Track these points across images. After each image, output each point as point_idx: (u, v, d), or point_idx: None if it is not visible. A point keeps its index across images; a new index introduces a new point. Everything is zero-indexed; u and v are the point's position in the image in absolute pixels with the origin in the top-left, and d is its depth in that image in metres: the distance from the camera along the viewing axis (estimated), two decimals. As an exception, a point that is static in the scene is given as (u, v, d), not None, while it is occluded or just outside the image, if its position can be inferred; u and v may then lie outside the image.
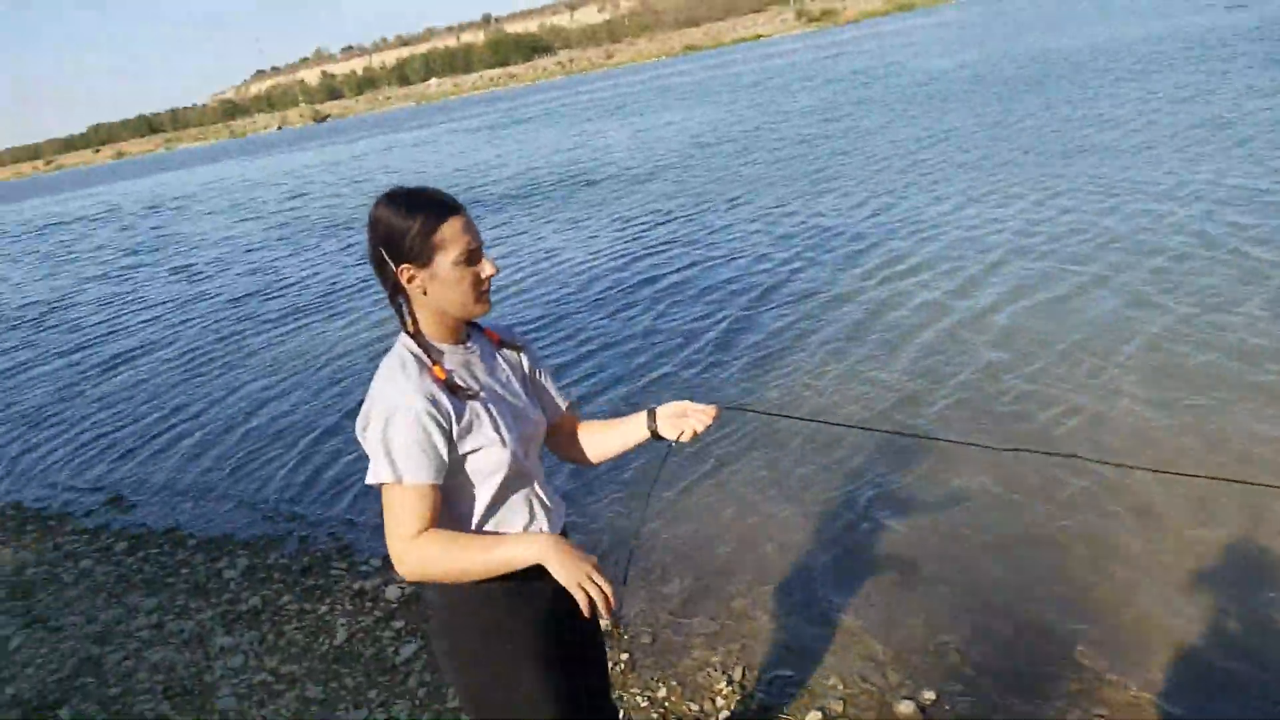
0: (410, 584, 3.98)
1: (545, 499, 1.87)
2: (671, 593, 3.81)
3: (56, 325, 12.82)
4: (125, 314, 12.62)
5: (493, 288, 1.79)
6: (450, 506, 1.74)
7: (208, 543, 5.04)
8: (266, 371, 8.32)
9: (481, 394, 1.73)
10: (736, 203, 12.34)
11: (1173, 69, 17.48)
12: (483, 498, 1.75)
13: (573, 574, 1.60)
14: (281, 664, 3.69)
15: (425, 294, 1.70)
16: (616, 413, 5.95)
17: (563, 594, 1.70)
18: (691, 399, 1.99)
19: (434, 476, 1.64)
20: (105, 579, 4.70)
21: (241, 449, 6.46)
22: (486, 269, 1.73)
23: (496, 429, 1.72)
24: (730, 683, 3.17)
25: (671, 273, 9.17)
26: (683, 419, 1.91)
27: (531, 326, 8.14)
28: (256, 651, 3.81)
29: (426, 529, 1.64)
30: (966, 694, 2.96)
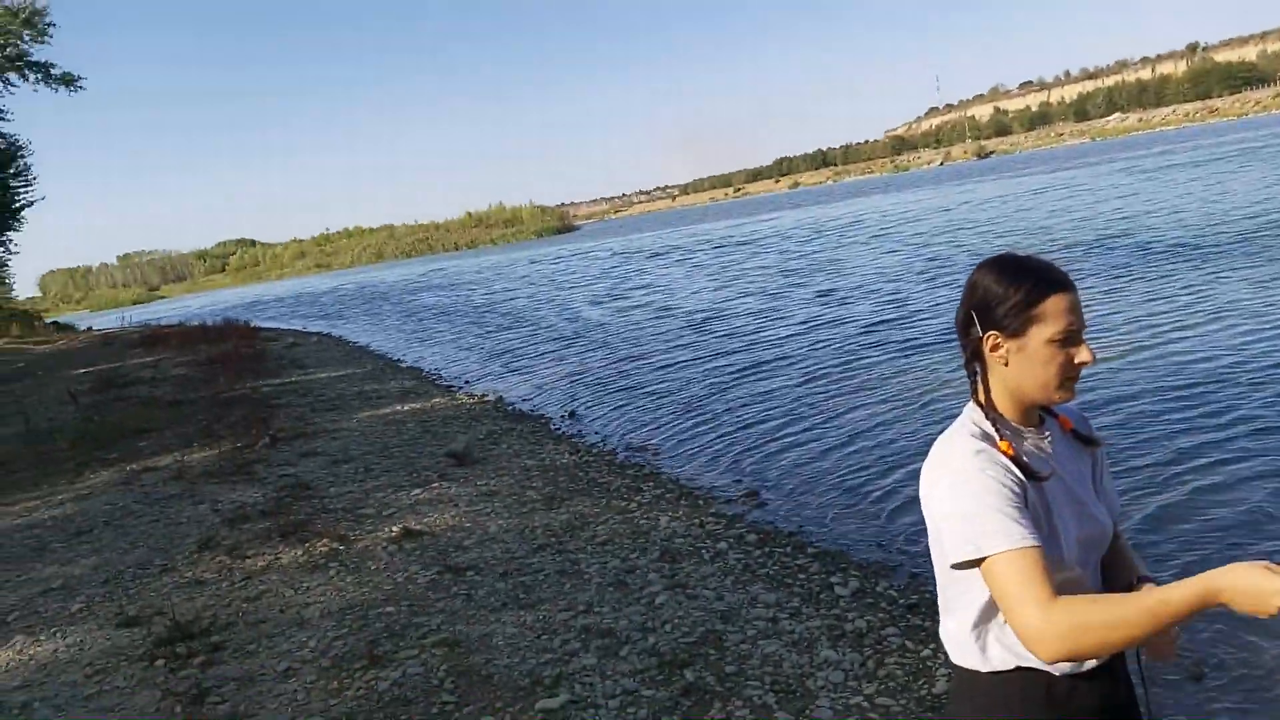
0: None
1: None
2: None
3: (715, 329, 14.88)
4: (770, 326, 14.13)
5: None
6: (981, 595, 1.55)
7: (824, 555, 5.30)
8: (884, 398, 8.59)
9: (1049, 481, 1.55)
10: None
11: None
12: None
13: (1267, 608, 1.30)
14: (878, 694, 3.68)
15: (1006, 365, 1.58)
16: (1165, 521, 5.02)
17: (1108, 713, 1.56)
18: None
19: (1035, 539, 1.45)
20: (735, 564, 5.20)
21: (858, 469, 6.73)
22: (1083, 355, 1.56)
23: (1056, 525, 1.55)
24: None
25: None
26: None
27: (1138, 395, 7.22)
28: (856, 674, 3.86)
29: (1056, 594, 1.42)
30: None
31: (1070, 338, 1.56)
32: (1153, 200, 24.77)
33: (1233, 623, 3.88)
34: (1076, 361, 1.57)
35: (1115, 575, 1.72)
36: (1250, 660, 3.65)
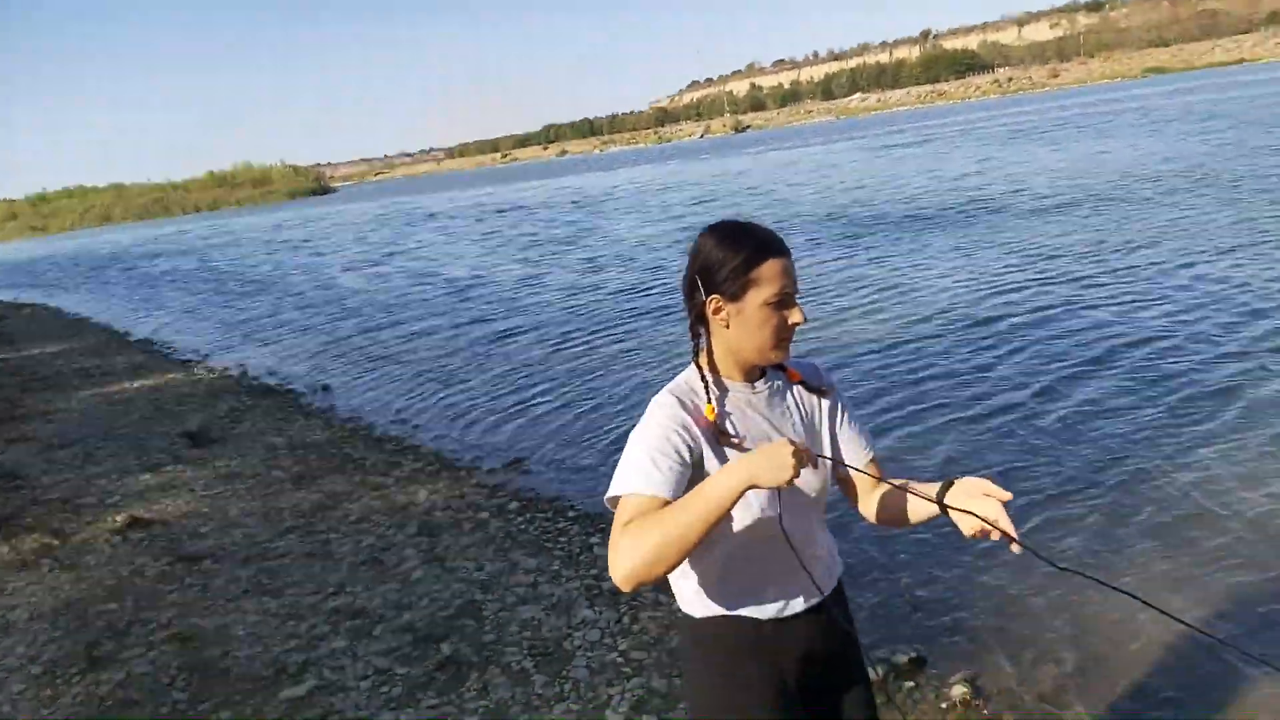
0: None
1: (806, 559, 1.69)
2: (1045, 678, 3.37)
3: (477, 296, 14.68)
4: (531, 293, 14.12)
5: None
6: (696, 556, 1.65)
7: (585, 517, 5.34)
8: (639, 362, 8.80)
9: (747, 442, 1.64)
10: (1137, 248, 10.90)
11: None
12: (726, 550, 1.65)
13: (785, 475, 1.40)
14: (632, 649, 3.76)
15: (727, 328, 1.65)
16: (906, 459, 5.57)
17: (818, 654, 1.70)
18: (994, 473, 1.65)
19: (661, 490, 1.52)
20: (497, 533, 5.14)
21: (616, 431, 6.84)
22: (795, 316, 1.65)
23: None
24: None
25: (1027, 314, 8.51)
26: (984, 500, 1.54)
27: (857, 352, 7.95)
28: (612, 631, 3.92)
29: None
30: None
31: (784, 300, 1.63)
32: (882, 175, 26.94)
33: (944, 558, 4.28)
34: (790, 323, 1.65)
35: (899, 508, 1.75)
36: (958, 590, 4.04)
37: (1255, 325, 7.17)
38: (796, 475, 1.41)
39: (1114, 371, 6.57)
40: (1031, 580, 4.01)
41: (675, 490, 1.53)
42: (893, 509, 1.77)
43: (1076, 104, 61.41)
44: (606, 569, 4.47)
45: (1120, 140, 27.07)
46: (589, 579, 4.44)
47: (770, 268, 1.61)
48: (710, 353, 1.70)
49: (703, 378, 1.67)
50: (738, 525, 1.64)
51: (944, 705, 3.25)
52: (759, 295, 1.61)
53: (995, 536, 1.51)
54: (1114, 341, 7.24)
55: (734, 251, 1.62)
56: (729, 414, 1.66)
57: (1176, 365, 6.52)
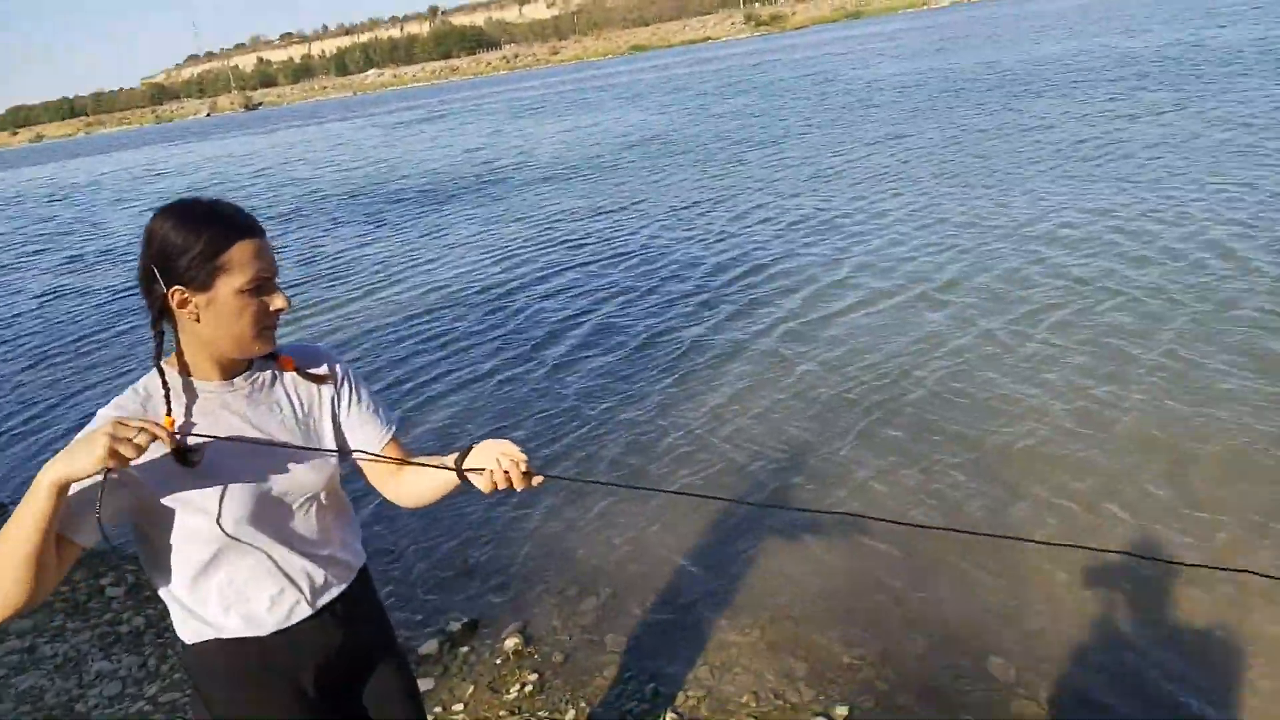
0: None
1: (306, 563, 1.62)
2: (586, 609, 3.68)
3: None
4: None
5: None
6: (166, 570, 1.53)
7: (93, 557, 4.65)
8: (138, 366, 7.97)
9: (212, 454, 1.49)
10: (616, 210, 12.38)
11: (1099, 84, 17.88)
12: (201, 562, 1.52)
13: (95, 454, 1.27)
14: (161, 692, 3.43)
15: (197, 321, 1.48)
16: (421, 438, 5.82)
17: (340, 650, 1.66)
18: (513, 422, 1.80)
19: (65, 529, 1.37)
20: (-25, 597, 4.34)
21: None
22: (277, 301, 1.52)
23: (217, 492, 1.50)
24: (644, 701, 3.09)
25: (525, 279, 9.26)
26: (499, 458, 1.58)
27: (368, 329, 8.16)
28: (135, 678, 3.54)
29: None
30: (879, 708, 2.94)
31: (262, 285, 1.49)
32: (400, 151, 26.99)
33: (481, 523, 4.45)
34: (272, 309, 1.52)
35: (423, 484, 1.71)
36: (499, 548, 4.23)
37: (698, 269, 8.59)
38: (115, 456, 1.28)
39: (591, 324, 7.38)
40: (557, 521, 4.35)
41: (73, 531, 1.37)
42: (418, 487, 1.72)
43: (573, 79, 66.49)
44: (122, 611, 4.03)
45: (607, 113, 29.92)
46: (102, 626, 3.95)
47: (241, 251, 1.46)
48: (180, 351, 1.52)
49: (164, 383, 1.48)
50: (179, 538, 1.51)
51: (499, 661, 3.40)
52: (231, 282, 1.45)
53: (519, 486, 1.55)
54: (592, 297, 8.17)
55: (195, 235, 1.44)
56: (194, 423, 1.50)
57: (641, 313, 7.51)
